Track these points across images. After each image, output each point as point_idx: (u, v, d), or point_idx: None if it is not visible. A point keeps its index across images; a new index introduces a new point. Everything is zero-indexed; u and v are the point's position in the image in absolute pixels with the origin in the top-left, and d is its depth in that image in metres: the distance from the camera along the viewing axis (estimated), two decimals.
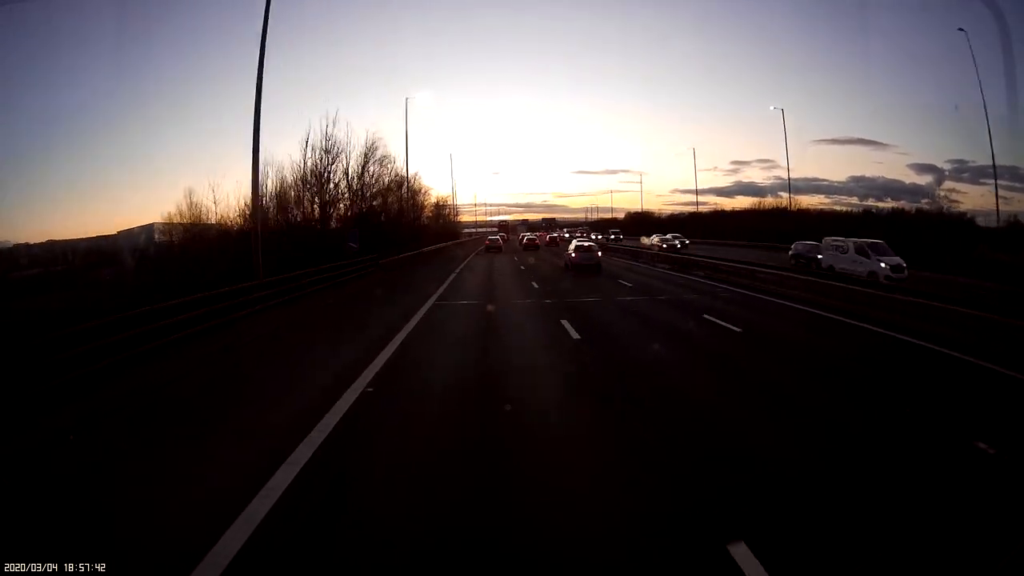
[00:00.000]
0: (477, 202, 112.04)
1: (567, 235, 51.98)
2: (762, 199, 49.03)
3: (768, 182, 76.67)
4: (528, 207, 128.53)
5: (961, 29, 25.73)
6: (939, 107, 47.93)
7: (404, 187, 37.48)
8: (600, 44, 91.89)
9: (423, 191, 46.79)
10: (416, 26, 79.94)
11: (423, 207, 47.59)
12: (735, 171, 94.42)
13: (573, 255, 24.54)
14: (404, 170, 42.17)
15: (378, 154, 33.38)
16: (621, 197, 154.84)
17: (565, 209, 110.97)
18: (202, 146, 37.27)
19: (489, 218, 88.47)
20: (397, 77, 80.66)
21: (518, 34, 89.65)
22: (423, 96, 54.60)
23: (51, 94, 25.09)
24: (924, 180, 48.42)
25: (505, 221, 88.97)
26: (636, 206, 76.50)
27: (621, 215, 79.83)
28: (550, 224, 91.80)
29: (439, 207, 53.89)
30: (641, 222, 62.52)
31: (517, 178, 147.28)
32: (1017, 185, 31.41)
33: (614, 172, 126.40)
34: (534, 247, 45.17)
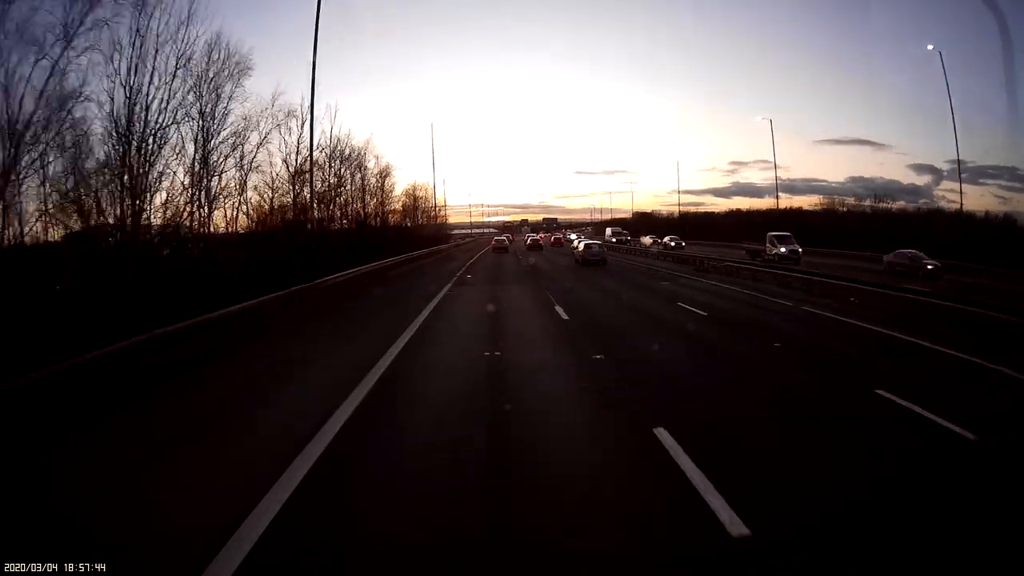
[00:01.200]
0: (479, 203, 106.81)
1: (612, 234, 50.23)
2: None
3: (767, 183, 74.63)
4: (526, 208, 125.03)
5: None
6: (939, 107, 44.53)
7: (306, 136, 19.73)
8: (599, 44, 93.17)
9: (382, 172, 33.14)
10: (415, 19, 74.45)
11: (382, 196, 33.95)
12: (733, 171, 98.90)
13: (581, 250, 28.68)
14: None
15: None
16: (620, 198, 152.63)
17: (563, 210, 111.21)
18: None
19: (486, 219, 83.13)
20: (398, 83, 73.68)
21: (517, 34, 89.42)
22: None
23: None
24: (923, 180, 48.13)
25: (509, 222, 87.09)
26: (636, 207, 73.08)
27: (617, 215, 77.19)
28: (552, 224, 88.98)
29: (414, 197, 41.69)
30: (650, 222, 57.91)
31: (516, 179, 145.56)
32: (1016, 185, 30.97)
33: (611, 173, 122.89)
34: (537, 247, 45.43)
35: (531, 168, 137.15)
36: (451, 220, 67.77)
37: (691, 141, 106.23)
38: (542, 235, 59.82)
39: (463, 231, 67.93)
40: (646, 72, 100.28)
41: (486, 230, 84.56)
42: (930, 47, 32.35)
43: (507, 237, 52.40)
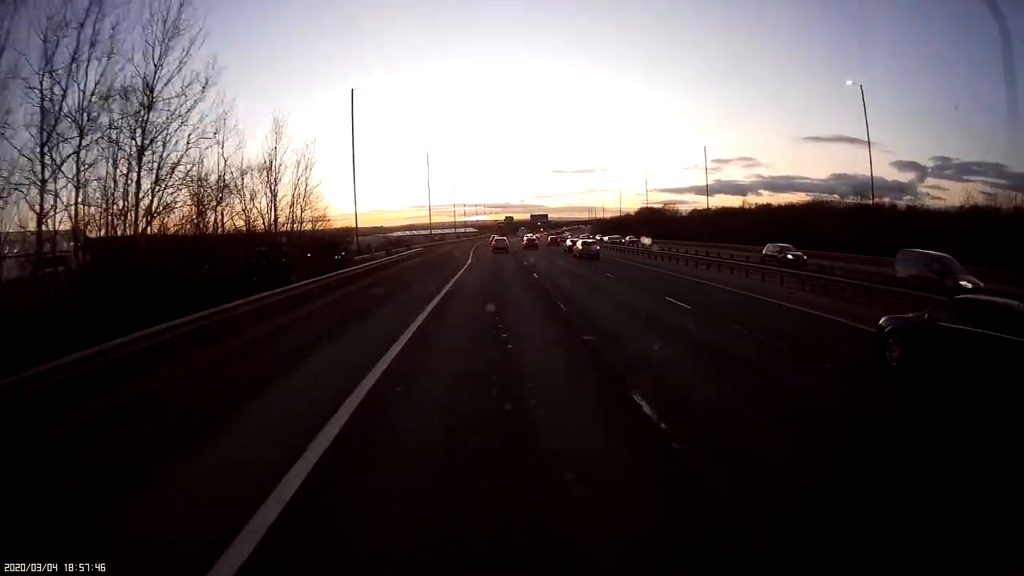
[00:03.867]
0: (450, 203, 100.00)
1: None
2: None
3: (749, 180, 73.47)
4: (506, 207, 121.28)
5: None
6: (925, 106, 46.19)
7: None
8: (578, 41, 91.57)
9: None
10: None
11: None
12: (716, 169, 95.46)
13: (580, 247, 36.33)
14: None
15: None
16: (601, 197, 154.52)
17: (544, 209, 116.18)
18: None
19: (465, 218, 79.55)
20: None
21: (501, 32, 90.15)
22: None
23: None
24: (906, 177, 47.99)
25: (497, 221, 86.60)
26: (614, 205, 76.30)
27: (601, 215, 78.22)
28: (542, 221, 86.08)
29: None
30: (661, 220, 56.76)
31: (496, 179, 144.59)
32: (1001, 182, 29.99)
33: (592, 171, 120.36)
34: (533, 247, 47.85)
35: (511, 168, 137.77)
36: (432, 221, 59.23)
37: (672, 139, 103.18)
38: (537, 235, 61.25)
39: (419, 232, 57.93)
40: (627, 70, 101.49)
41: (466, 229, 76.52)
42: (849, 83, 33.03)
43: (506, 238, 53.57)
